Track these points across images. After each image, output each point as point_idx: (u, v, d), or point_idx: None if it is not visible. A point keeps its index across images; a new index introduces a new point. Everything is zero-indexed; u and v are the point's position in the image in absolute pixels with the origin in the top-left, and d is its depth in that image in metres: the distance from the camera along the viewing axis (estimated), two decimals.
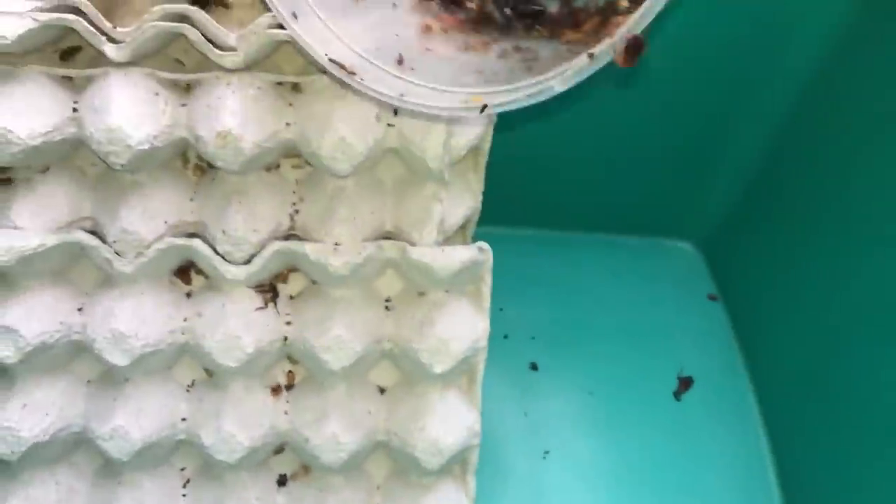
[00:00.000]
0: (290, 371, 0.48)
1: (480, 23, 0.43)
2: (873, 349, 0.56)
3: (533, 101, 0.38)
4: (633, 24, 0.37)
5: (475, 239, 0.51)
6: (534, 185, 0.67)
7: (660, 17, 0.59)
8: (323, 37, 0.41)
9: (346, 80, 0.40)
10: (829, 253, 0.62)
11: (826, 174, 0.62)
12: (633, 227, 0.73)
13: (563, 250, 0.72)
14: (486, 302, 0.47)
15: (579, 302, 0.69)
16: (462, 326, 0.46)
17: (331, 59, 0.40)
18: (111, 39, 0.42)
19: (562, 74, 0.38)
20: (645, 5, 0.36)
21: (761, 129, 0.66)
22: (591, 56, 0.37)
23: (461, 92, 0.40)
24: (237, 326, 0.44)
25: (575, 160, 0.68)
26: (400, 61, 0.41)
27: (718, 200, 0.71)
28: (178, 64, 0.45)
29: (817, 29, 0.60)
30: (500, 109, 0.39)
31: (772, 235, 0.68)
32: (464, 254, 0.45)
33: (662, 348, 0.68)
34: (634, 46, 0.38)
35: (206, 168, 0.46)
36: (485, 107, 0.39)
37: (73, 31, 0.42)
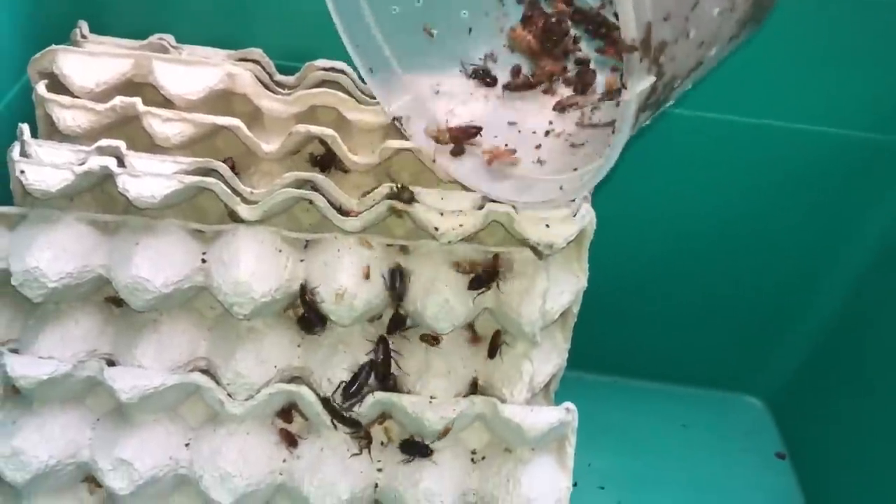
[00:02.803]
0: None
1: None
2: None
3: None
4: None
5: None
6: (607, 333, 0.69)
7: (740, 184, 0.62)
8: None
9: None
10: None
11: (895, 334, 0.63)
12: (702, 380, 0.74)
13: (634, 398, 0.73)
14: (570, 461, 0.49)
15: (648, 453, 0.70)
16: (547, 486, 0.47)
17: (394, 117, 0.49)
18: (245, 200, 0.46)
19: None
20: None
21: (832, 290, 0.68)
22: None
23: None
24: (334, 473, 0.46)
25: (650, 312, 0.70)
26: None
27: (787, 358, 0.72)
28: (299, 223, 0.49)
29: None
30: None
31: (841, 394, 0.69)
32: (552, 415, 0.47)
33: None
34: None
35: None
36: None
37: (209, 189, 0.46)
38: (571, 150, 0.46)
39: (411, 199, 0.46)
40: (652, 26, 0.33)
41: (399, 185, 0.46)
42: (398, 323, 0.48)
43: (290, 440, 0.48)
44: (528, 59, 0.50)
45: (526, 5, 0.50)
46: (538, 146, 0.47)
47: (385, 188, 0.46)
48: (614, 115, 0.37)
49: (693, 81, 0.40)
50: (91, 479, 0.48)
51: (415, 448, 0.47)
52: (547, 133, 0.48)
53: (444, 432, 0.47)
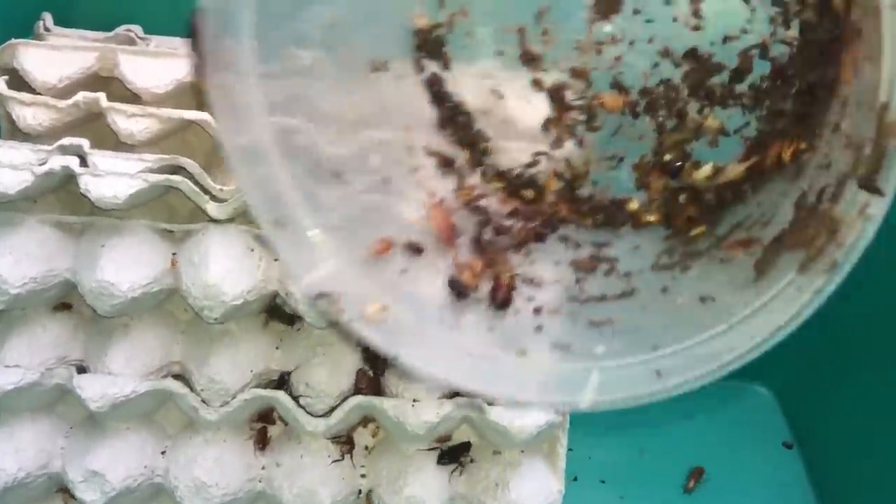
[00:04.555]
0: None
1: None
2: None
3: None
4: None
5: None
6: None
7: None
8: None
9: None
10: None
11: None
12: None
13: None
14: (562, 462, 0.47)
15: (651, 444, 0.67)
16: (537, 490, 0.45)
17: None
18: (214, 198, 0.44)
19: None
20: None
21: (841, 277, 0.66)
22: None
23: None
24: (314, 480, 0.45)
25: None
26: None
27: (796, 346, 0.69)
28: None
29: None
30: None
31: (848, 383, 0.67)
32: (540, 417, 0.45)
33: (736, 497, 0.66)
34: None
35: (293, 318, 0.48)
36: None
37: (176, 188, 0.44)
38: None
39: None
40: None
41: None
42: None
43: (262, 441, 0.46)
44: None
45: None
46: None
47: None
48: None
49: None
50: (66, 490, 0.46)
51: None
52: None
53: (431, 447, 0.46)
